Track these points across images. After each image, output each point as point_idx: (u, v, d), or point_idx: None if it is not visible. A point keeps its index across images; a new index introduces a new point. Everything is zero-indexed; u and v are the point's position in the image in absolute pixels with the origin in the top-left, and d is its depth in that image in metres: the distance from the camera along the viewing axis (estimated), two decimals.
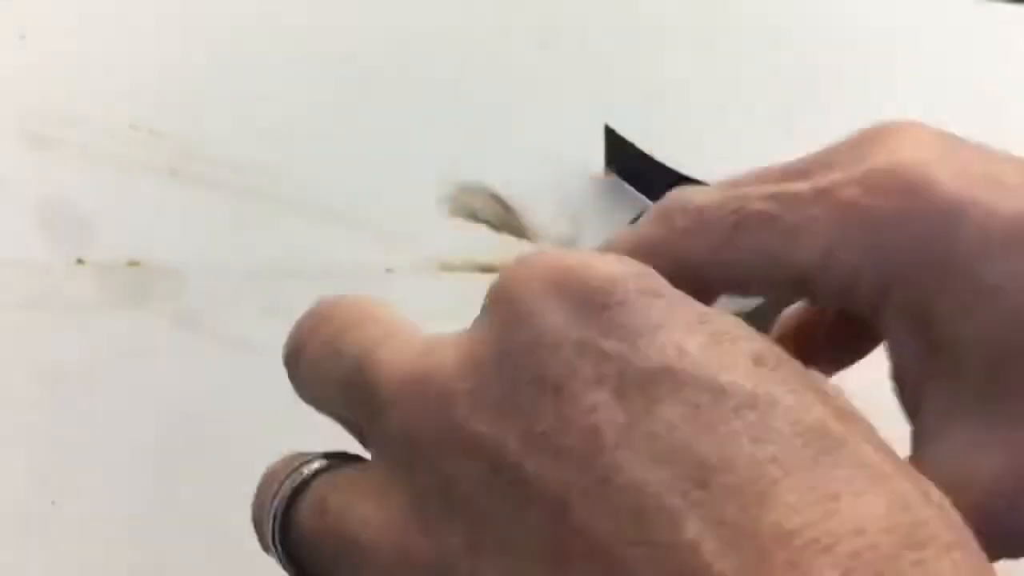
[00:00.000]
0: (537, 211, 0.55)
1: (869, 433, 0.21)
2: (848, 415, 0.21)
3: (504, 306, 0.23)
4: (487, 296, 0.24)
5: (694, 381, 0.20)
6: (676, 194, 0.31)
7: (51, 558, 0.46)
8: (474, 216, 0.55)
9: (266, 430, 0.49)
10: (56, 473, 0.48)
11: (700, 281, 0.29)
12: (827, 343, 0.34)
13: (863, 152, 0.29)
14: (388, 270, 0.54)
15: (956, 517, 0.20)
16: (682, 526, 0.19)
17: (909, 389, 0.29)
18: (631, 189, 0.56)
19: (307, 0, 0.64)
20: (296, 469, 0.27)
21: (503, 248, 0.54)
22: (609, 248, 0.31)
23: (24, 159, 0.57)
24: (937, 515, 0.20)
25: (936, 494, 0.20)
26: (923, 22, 0.62)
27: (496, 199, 0.56)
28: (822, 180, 0.29)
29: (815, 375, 0.22)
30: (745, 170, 0.32)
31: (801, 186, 0.29)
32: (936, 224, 0.27)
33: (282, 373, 0.51)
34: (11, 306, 0.52)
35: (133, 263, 0.54)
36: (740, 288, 0.30)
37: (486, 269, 0.53)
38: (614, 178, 0.56)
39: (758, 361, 0.21)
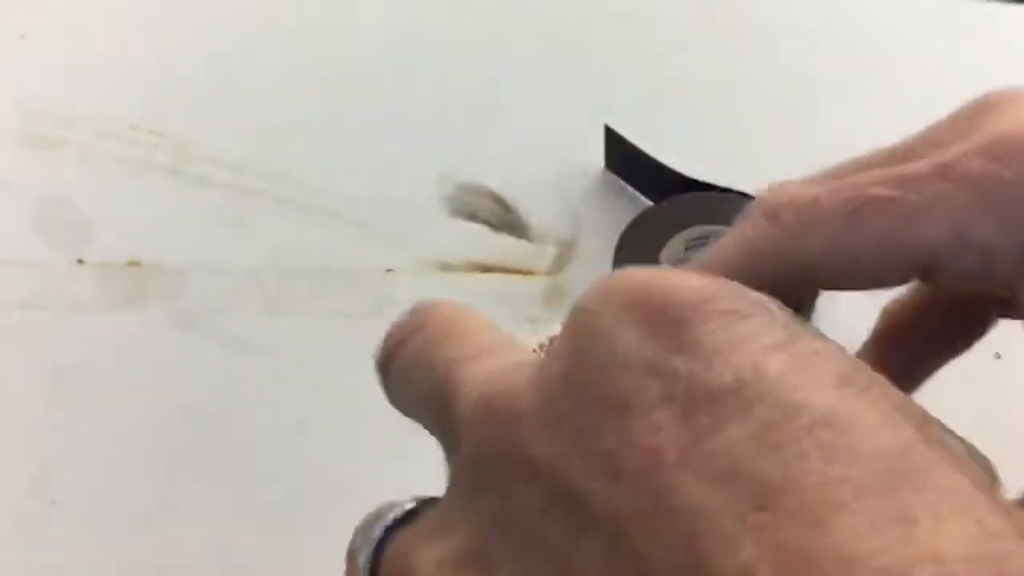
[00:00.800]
0: (537, 211, 0.55)
1: (963, 462, 0.19)
2: (940, 443, 0.19)
3: (579, 325, 0.22)
4: (567, 315, 0.23)
5: (766, 399, 0.19)
6: (780, 190, 0.28)
7: (51, 558, 0.46)
8: (474, 216, 0.55)
9: (266, 429, 0.49)
10: (56, 473, 0.48)
11: (817, 279, 0.28)
12: (938, 332, 0.32)
13: (975, 124, 0.27)
14: (388, 270, 0.54)
15: None
16: (736, 551, 0.18)
17: None
18: (630, 188, 0.56)
19: (307, 0, 0.64)
20: (378, 521, 0.26)
21: (503, 248, 0.54)
22: (715, 256, 0.29)
23: (24, 159, 0.57)
24: None
25: None
26: (923, 22, 0.62)
27: (496, 199, 0.56)
28: (940, 156, 0.27)
29: (914, 404, 0.21)
30: (845, 160, 0.30)
31: (918, 165, 0.27)
32: None
33: (281, 373, 0.51)
34: (11, 306, 0.52)
35: (133, 263, 0.54)
36: (860, 281, 0.28)
37: (486, 269, 0.53)
38: (613, 177, 0.56)
39: (844, 381, 0.20)
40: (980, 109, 0.28)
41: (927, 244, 0.26)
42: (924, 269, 0.27)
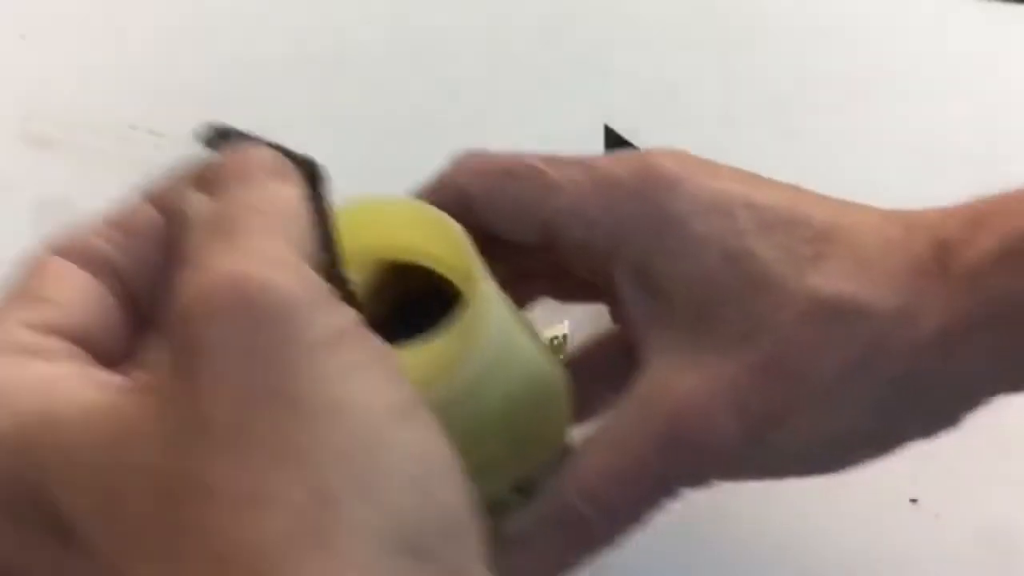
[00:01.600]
0: None
1: None
2: None
3: None
4: None
5: None
6: (476, 148, 0.37)
7: None
8: None
9: None
10: None
11: (476, 216, 0.35)
12: (601, 372, 0.39)
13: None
14: None
15: None
16: None
17: (637, 339, 0.34)
18: None
19: (306, 1, 0.64)
20: None
21: None
22: (424, 186, 0.37)
23: (24, 159, 0.57)
24: None
25: None
26: (923, 22, 0.62)
27: None
28: (590, 157, 0.35)
29: None
30: None
31: (571, 155, 0.35)
32: (657, 189, 0.34)
33: None
34: None
35: None
36: (506, 227, 0.35)
37: None
38: None
39: None
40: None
41: (553, 211, 0.34)
42: (550, 233, 0.35)
